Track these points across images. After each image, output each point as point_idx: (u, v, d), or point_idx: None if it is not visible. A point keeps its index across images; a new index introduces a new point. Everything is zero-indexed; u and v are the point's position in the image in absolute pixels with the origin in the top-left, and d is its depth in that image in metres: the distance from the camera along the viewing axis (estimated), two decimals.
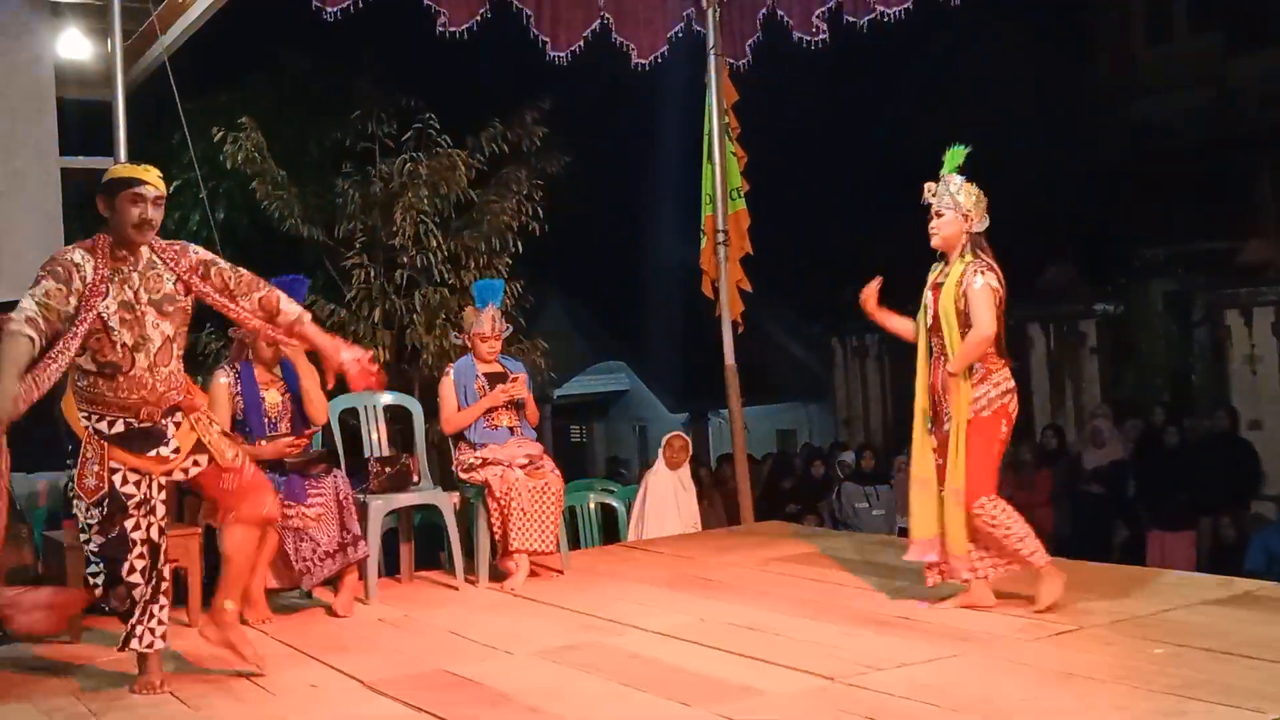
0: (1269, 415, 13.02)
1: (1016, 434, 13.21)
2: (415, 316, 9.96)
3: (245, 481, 4.45)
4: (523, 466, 6.08)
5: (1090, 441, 11.84)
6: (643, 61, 7.51)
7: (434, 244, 9.97)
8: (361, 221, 10.18)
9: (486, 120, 10.55)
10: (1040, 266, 16.75)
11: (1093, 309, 15.76)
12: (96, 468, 4.23)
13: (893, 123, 17.82)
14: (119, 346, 4.20)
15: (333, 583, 5.65)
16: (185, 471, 4.38)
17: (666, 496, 7.98)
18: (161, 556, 4.34)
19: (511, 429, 6.23)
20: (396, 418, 6.80)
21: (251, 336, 5.72)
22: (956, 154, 5.16)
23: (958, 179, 5.13)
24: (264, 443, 5.59)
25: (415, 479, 6.20)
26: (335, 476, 5.64)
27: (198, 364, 9.87)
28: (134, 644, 4.33)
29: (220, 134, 9.64)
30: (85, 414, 4.27)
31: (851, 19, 7.42)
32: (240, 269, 4.49)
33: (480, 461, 6.09)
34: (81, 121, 7.97)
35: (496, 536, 6.05)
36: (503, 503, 5.97)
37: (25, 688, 4.56)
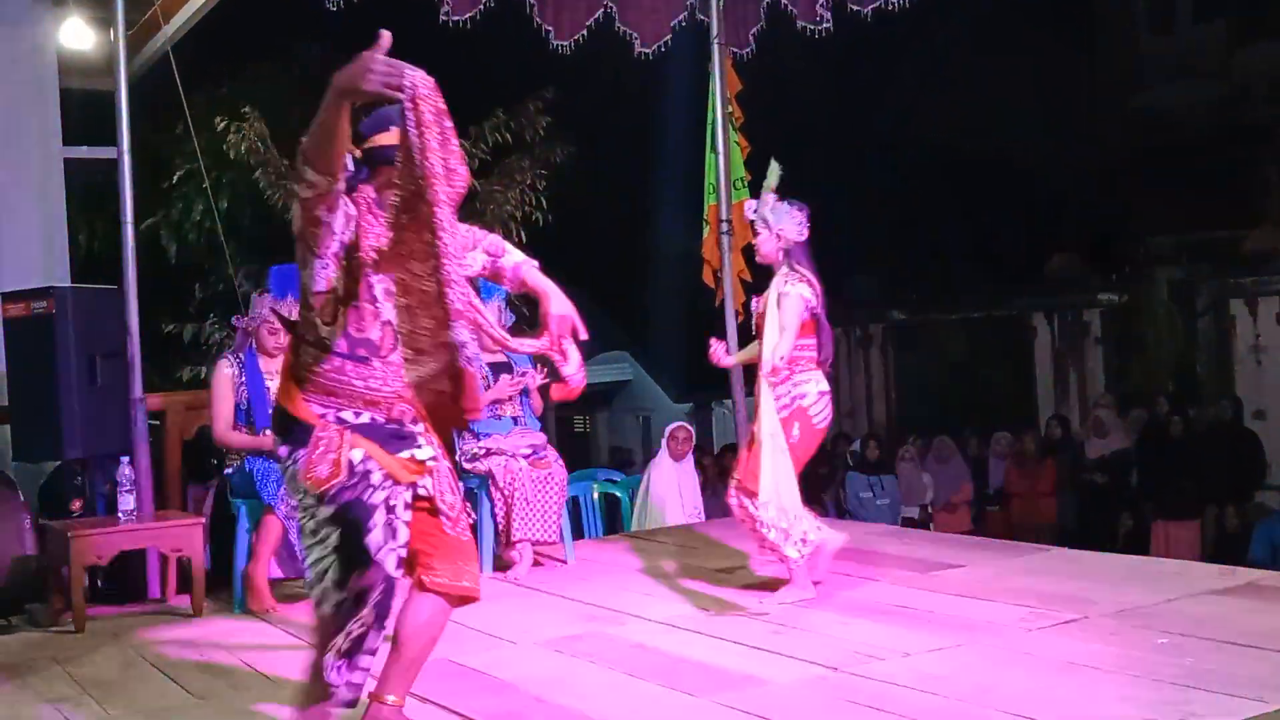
0: (1273, 405, 13.01)
1: (1020, 424, 13.24)
2: None
3: (458, 539, 3.48)
4: (526, 456, 6.09)
5: (1094, 431, 11.83)
6: (646, 51, 7.49)
7: None
8: None
9: (490, 110, 10.54)
10: (1045, 256, 16.75)
11: (1097, 298, 15.75)
12: (333, 455, 3.27)
13: (896, 112, 17.81)
14: (380, 324, 3.37)
15: None
16: (414, 486, 3.41)
17: (670, 487, 7.98)
18: (394, 593, 3.34)
19: (515, 419, 6.23)
20: None
21: (254, 325, 5.72)
22: (773, 172, 5.29)
23: (770, 197, 5.25)
24: (268, 431, 5.59)
25: None
26: None
27: (201, 354, 9.89)
28: (331, 676, 3.31)
29: (224, 124, 9.63)
30: (321, 406, 3.36)
31: (855, 7, 7.39)
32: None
33: (484, 451, 6.09)
34: (84, 111, 7.96)
35: (500, 526, 6.05)
36: (506, 492, 5.97)
37: (30, 677, 4.57)
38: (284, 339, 5.70)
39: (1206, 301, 14.50)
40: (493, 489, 6.02)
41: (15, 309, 5.93)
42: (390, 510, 3.30)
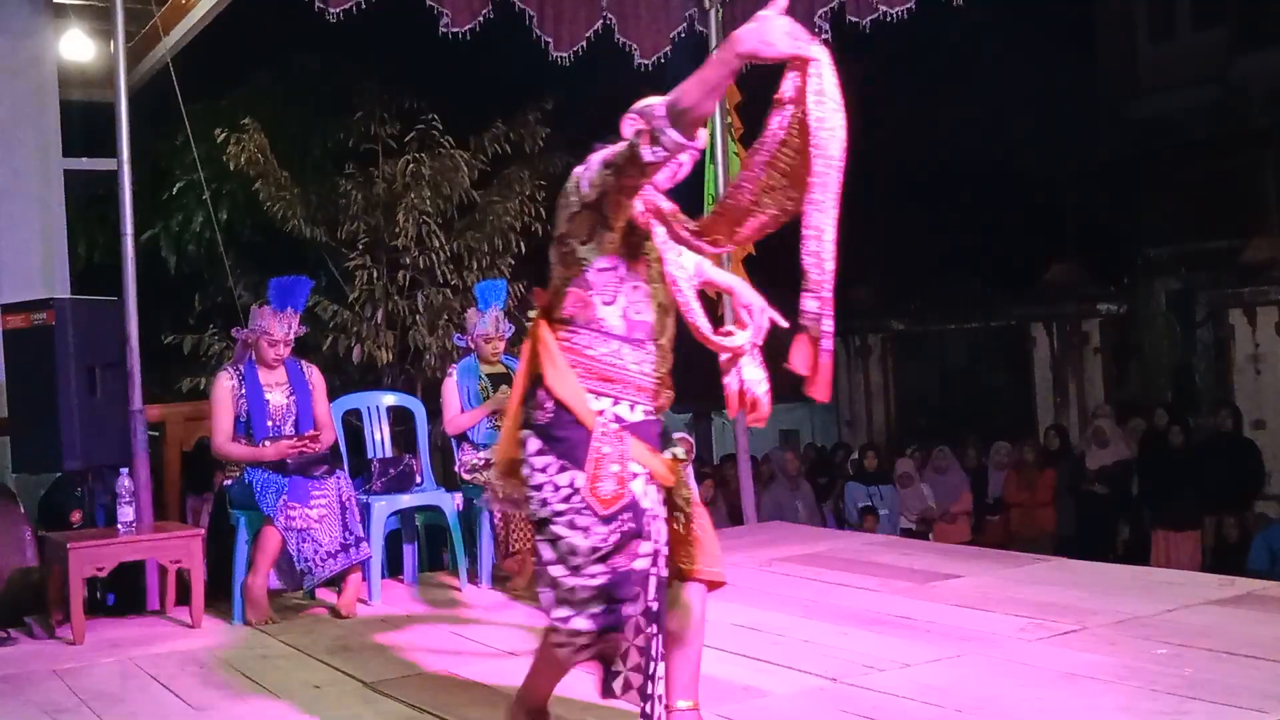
0: (1272, 415, 13.03)
1: (1019, 434, 13.20)
2: (418, 317, 9.97)
3: (705, 528, 3.36)
4: None
5: (1093, 441, 11.84)
6: (645, 62, 7.50)
7: (436, 244, 9.98)
8: (364, 222, 10.19)
9: (489, 121, 10.56)
10: (1044, 266, 16.77)
11: (1096, 308, 15.77)
12: (617, 468, 3.08)
13: (895, 121, 17.83)
14: (655, 305, 3.23)
15: (336, 583, 5.65)
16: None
17: None
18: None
19: None
20: (399, 418, 6.80)
21: (254, 337, 5.72)
22: None
23: None
24: (267, 443, 5.60)
25: (418, 480, 6.21)
26: (338, 477, 5.65)
27: (200, 365, 9.90)
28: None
29: (223, 135, 9.65)
30: (595, 395, 3.15)
31: (854, 19, 7.40)
32: None
33: (483, 463, 6.08)
34: (84, 123, 7.97)
35: (499, 537, 6.04)
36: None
37: (29, 689, 4.57)
38: (284, 350, 5.72)
39: (1205, 311, 14.52)
40: (491, 500, 6.02)
41: (15, 320, 5.93)
42: (656, 520, 3.20)
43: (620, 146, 3.03)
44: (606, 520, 3.04)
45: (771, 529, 7.84)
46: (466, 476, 6.15)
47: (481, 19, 6.82)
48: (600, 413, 3.12)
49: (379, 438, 6.39)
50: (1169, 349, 15.23)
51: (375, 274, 10.11)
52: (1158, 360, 15.30)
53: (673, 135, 2.85)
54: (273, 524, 5.41)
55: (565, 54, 7.21)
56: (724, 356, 3.43)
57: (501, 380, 6.22)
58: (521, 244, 10.26)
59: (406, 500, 6.10)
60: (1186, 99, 16.48)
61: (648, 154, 2.91)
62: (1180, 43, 17.32)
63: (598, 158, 3.12)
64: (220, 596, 5.77)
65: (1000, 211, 16.63)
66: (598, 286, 3.15)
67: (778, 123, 2.93)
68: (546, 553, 3.12)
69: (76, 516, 6.41)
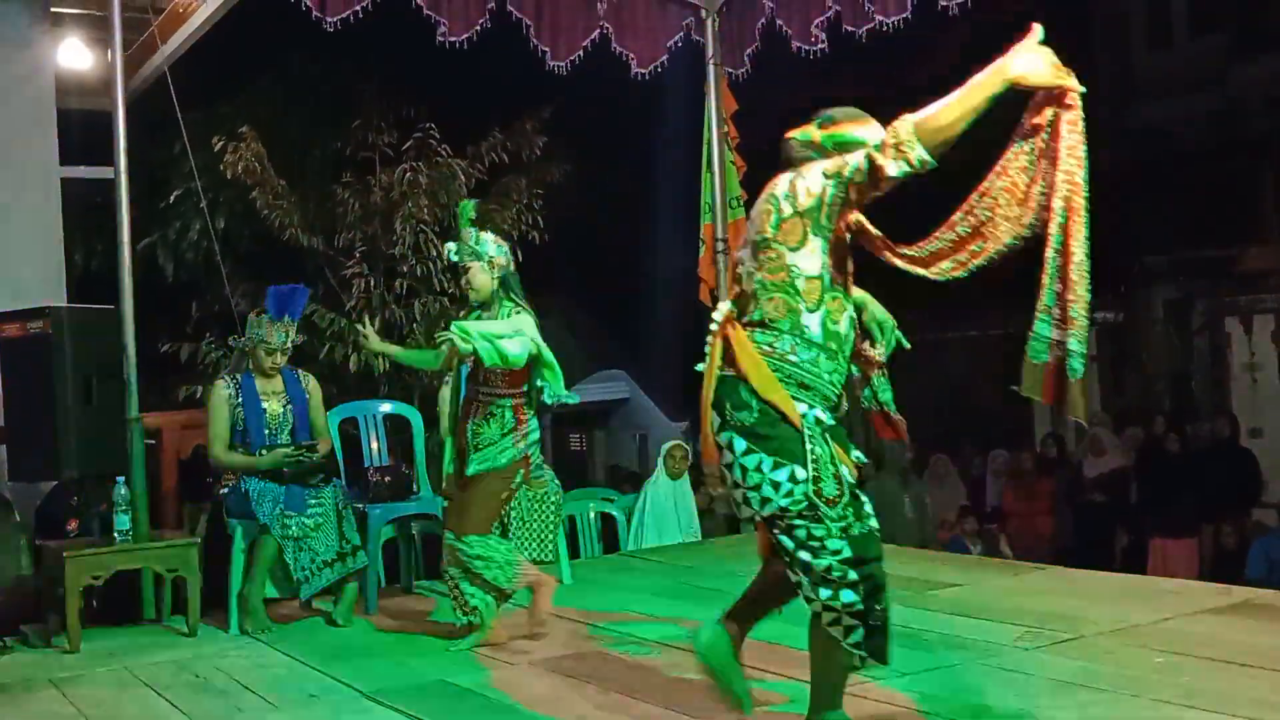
0: (1269, 423, 13.01)
1: (1018, 441, 13.17)
2: (415, 325, 9.97)
3: None
4: None
5: (1090, 450, 11.83)
6: (642, 71, 7.52)
7: (434, 253, 9.98)
8: (361, 231, 10.19)
9: (486, 129, 10.57)
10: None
11: (1093, 316, 15.76)
12: (832, 468, 3.19)
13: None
14: (847, 316, 3.31)
15: (333, 592, 5.64)
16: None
17: (666, 506, 7.97)
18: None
19: None
20: (396, 427, 6.80)
21: (251, 346, 5.72)
22: (467, 207, 5.28)
23: (473, 231, 5.15)
24: (264, 452, 5.59)
25: (415, 489, 6.20)
26: (334, 486, 5.65)
27: (197, 373, 9.89)
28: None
29: (221, 144, 9.65)
30: (794, 400, 3.20)
31: (850, 28, 7.40)
32: None
33: None
34: (82, 131, 7.98)
35: None
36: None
37: (26, 699, 4.56)
38: (281, 359, 5.71)
39: (1202, 319, 14.52)
40: None
41: (11, 329, 5.93)
42: None
43: (853, 158, 3.09)
44: (833, 503, 3.13)
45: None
46: None
47: (478, 28, 6.83)
48: (802, 416, 3.18)
49: (376, 446, 6.39)
50: (1166, 357, 15.23)
51: (372, 282, 10.11)
52: (1155, 368, 15.30)
53: (921, 153, 3.00)
54: (269, 532, 5.41)
55: (562, 63, 7.22)
56: (858, 372, 3.52)
57: None
58: (519, 252, 10.25)
59: (403, 509, 6.09)
60: (1184, 106, 16.49)
61: (892, 168, 3.02)
62: (1177, 50, 17.33)
63: (816, 167, 3.19)
64: (217, 605, 5.76)
65: None
66: (805, 293, 3.19)
67: (1019, 150, 3.15)
68: (787, 543, 3.21)
69: (73, 525, 6.40)
